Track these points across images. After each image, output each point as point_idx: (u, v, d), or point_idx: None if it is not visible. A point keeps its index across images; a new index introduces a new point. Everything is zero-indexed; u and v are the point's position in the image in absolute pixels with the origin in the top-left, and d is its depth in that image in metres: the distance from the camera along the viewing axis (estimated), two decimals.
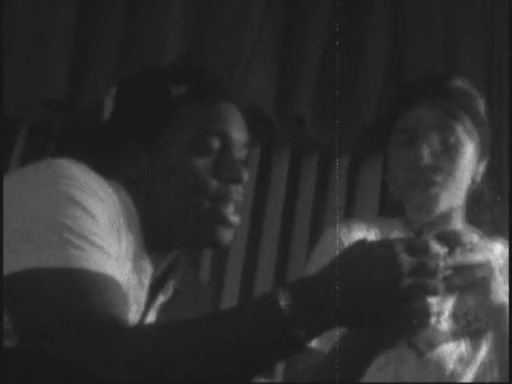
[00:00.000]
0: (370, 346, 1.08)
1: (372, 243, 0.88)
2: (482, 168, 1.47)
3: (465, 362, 1.36)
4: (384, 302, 0.84)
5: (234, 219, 1.10)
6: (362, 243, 0.89)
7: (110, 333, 0.88)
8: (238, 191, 1.11)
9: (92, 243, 0.93)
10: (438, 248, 0.88)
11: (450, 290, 0.90)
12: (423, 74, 2.23)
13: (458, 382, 1.35)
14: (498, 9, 2.42)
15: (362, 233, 1.45)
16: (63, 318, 0.88)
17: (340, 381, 1.09)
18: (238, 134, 1.13)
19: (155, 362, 0.86)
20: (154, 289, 1.12)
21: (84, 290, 0.90)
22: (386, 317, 0.86)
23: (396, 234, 1.45)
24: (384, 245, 0.86)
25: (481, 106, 1.46)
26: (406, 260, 0.84)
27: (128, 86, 1.17)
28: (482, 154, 1.46)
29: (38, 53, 2.25)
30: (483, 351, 1.37)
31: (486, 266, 1.06)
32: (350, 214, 2.34)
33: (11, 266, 0.90)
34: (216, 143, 1.10)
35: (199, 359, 0.87)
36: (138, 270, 1.06)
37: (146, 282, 1.08)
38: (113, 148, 1.12)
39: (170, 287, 1.17)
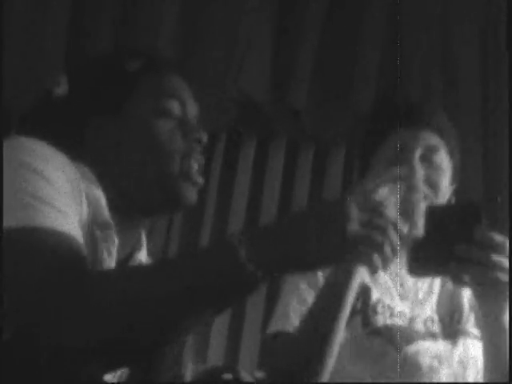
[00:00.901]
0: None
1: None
2: (450, 192, 1.56)
3: (441, 358, 1.44)
4: (331, 245, 0.91)
5: (199, 179, 1.17)
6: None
7: (72, 282, 0.90)
8: (199, 151, 1.18)
9: (48, 204, 0.95)
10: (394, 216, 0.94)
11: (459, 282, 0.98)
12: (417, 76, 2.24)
13: (460, 382, 1.42)
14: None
15: None
16: (22, 277, 0.90)
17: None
18: (193, 103, 1.21)
19: (123, 306, 0.89)
20: (121, 263, 1.15)
21: (39, 247, 0.91)
22: (331, 258, 0.94)
23: None
24: (340, 199, 0.94)
25: (457, 142, 1.58)
26: (355, 212, 0.91)
27: (83, 68, 1.25)
28: (453, 179, 1.56)
29: (34, 43, 2.24)
30: (460, 350, 1.45)
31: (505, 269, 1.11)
32: None
33: None
34: (176, 106, 1.18)
35: (161, 301, 0.90)
36: (104, 238, 1.08)
37: (114, 251, 1.10)
38: (75, 124, 1.16)
39: (136, 260, 1.20)
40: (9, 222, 0.92)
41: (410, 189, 1.46)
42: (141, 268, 1.00)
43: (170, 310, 0.91)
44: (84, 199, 1.04)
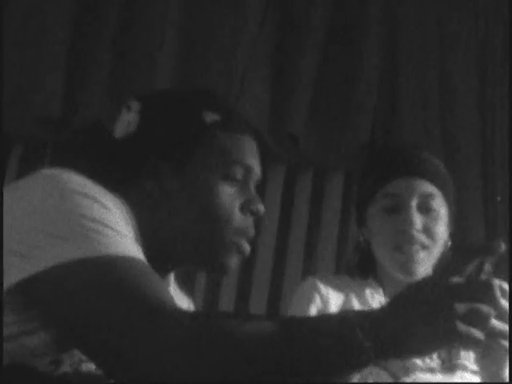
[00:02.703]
0: None
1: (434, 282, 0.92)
2: (447, 237, 1.59)
3: None
4: (440, 330, 0.87)
5: (247, 249, 1.14)
6: (421, 281, 0.94)
7: (170, 320, 0.87)
8: (253, 224, 1.14)
9: (115, 230, 0.93)
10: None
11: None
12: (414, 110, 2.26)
13: (463, 382, 1.42)
14: (491, 10, 2.44)
15: (337, 293, 1.57)
16: (113, 309, 0.87)
17: None
18: (258, 170, 1.18)
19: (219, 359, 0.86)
20: None
21: (124, 277, 0.89)
22: (442, 342, 0.89)
23: (369, 292, 1.58)
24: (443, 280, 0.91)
25: (451, 187, 1.61)
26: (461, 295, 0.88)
27: (158, 104, 1.19)
28: (449, 224, 1.59)
29: (33, 70, 2.24)
30: (458, 379, 1.45)
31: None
32: (345, 230, 2.36)
33: (37, 264, 0.89)
34: (241, 173, 1.14)
35: (266, 368, 0.87)
36: None
37: None
38: (135, 162, 1.13)
39: None
40: (80, 250, 0.89)
41: (408, 239, 1.50)
42: (248, 327, 0.91)
43: (272, 376, 0.87)
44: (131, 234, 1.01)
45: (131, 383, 0.86)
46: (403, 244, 1.51)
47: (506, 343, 0.95)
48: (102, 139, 1.21)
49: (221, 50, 2.31)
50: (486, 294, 0.88)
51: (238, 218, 1.11)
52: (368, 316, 0.90)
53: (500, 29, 2.39)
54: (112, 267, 0.89)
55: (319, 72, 2.37)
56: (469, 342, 0.87)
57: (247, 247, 1.13)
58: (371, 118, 2.35)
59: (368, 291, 1.58)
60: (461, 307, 0.86)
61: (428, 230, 1.52)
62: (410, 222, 1.51)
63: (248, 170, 1.15)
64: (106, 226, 0.92)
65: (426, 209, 1.53)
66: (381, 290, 1.58)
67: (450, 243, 1.59)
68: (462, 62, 2.40)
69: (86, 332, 0.88)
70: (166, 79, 2.26)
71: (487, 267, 0.94)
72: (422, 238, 1.51)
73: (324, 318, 0.99)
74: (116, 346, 0.86)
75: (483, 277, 0.90)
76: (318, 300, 1.52)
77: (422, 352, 0.91)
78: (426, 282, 0.93)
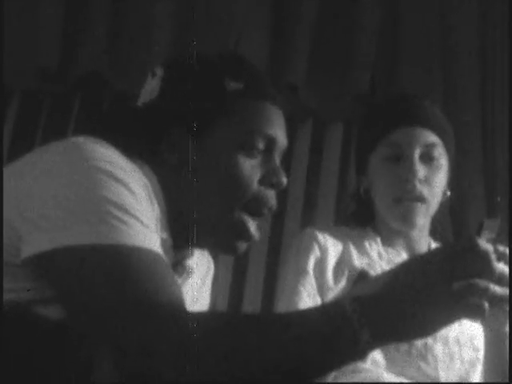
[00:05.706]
0: None
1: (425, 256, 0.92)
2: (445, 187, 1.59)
3: (436, 336, 1.43)
4: (440, 307, 0.86)
5: (256, 235, 1.11)
6: (415, 259, 0.94)
7: (174, 318, 0.86)
8: (273, 197, 1.11)
9: (137, 218, 0.91)
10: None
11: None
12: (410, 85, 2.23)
13: (465, 382, 1.42)
14: None
15: (335, 242, 1.57)
16: (121, 301, 0.86)
17: None
18: (283, 140, 1.15)
19: (221, 354, 0.86)
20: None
21: (139, 270, 0.88)
22: (445, 321, 0.88)
23: (367, 242, 1.58)
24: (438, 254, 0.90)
25: (452, 136, 1.60)
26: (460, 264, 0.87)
27: (180, 71, 1.15)
28: (448, 174, 1.59)
29: (30, 21, 2.23)
30: (456, 328, 1.45)
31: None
32: (344, 180, 2.36)
33: (55, 239, 0.89)
34: (261, 145, 1.11)
35: (264, 357, 0.86)
36: (163, 246, 1.01)
37: (169, 262, 1.04)
38: (155, 130, 1.11)
39: (186, 267, 1.17)
40: (99, 235, 0.88)
41: (409, 189, 1.49)
42: (248, 320, 0.92)
43: (271, 367, 0.86)
44: (155, 206, 0.99)
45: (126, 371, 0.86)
46: (404, 194, 1.51)
47: (507, 307, 0.95)
48: (126, 106, 1.20)
49: (219, 1, 2.28)
50: (482, 264, 0.87)
51: (257, 190, 1.08)
52: (364, 301, 0.88)
53: None
54: (127, 258, 0.88)
55: (319, 21, 2.34)
56: (472, 315, 0.87)
57: (255, 232, 1.10)
58: (371, 67, 2.32)
59: (366, 241, 1.58)
60: (458, 284, 0.85)
61: (429, 180, 1.53)
62: (412, 172, 1.50)
63: (270, 140, 1.12)
64: (129, 214, 0.91)
65: (428, 158, 1.53)
66: (379, 240, 1.59)
67: (448, 193, 1.60)
68: (463, 11, 2.36)
69: (90, 318, 0.88)
70: (164, 27, 2.24)
71: (486, 234, 0.92)
72: (423, 188, 1.51)
73: (312, 311, 0.97)
74: (116, 336, 0.86)
75: (481, 244, 0.88)
76: (316, 250, 1.53)
77: (425, 333, 0.90)
78: (420, 260, 0.91)
